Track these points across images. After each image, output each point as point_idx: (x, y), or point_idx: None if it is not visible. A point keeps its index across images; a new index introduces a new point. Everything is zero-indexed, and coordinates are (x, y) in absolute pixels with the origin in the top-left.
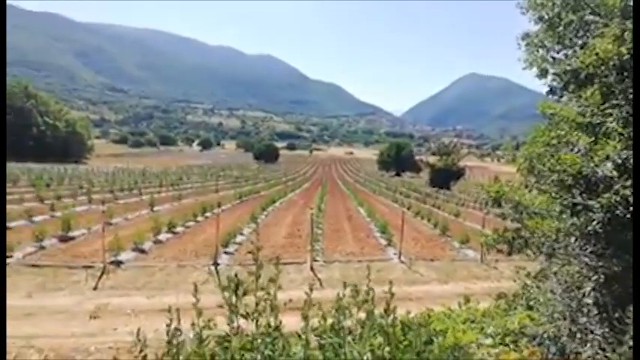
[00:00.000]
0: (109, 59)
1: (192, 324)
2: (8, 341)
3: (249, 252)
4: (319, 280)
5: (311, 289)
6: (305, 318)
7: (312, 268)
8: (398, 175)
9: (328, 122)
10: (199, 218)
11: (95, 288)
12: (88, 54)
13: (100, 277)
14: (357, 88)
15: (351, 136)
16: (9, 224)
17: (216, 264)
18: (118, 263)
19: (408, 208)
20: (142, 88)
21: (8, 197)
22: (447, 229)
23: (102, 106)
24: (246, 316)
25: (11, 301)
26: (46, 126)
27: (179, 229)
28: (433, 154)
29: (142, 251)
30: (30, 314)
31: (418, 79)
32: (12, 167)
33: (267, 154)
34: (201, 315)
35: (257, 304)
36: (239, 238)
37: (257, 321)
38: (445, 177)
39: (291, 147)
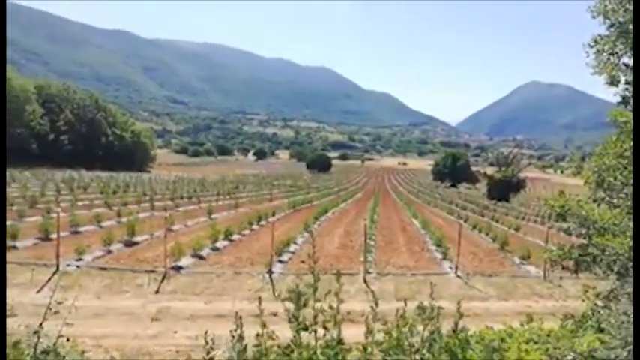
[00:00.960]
0: (172, 73)
1: (257, 334)
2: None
3: (302, 261)
4: (372, 292)
5: (376, 303)
6: (370, 332)
7: (365, 280)
8: (453, 186)
9: (381, 132)
10: (254, 226)
11: (157, 291)
12: (153, 68)
13: (161, 282)
14: (411, 98)
15: (405, 146)
16: (80, 229)
17: (270, 272)
18: (178, 268)
19: (465, 221)
20: (201, 100)
21: (80, 203)
22: (507, 243)
23: (164, 118)
24: (307, 328)
25: (82, 302)
26: (114, 136)
27: (235, 236)
28: (491, 164)
29: (201, 257)
30: (98, 314)
31: (475, 88)
32: (83, 175)
33: (319, 164)
34: (265, 326)
35: (316, 316)
36: (292, 247)
37: (316, 332)
38: (504, 189)
39: (343, 157)
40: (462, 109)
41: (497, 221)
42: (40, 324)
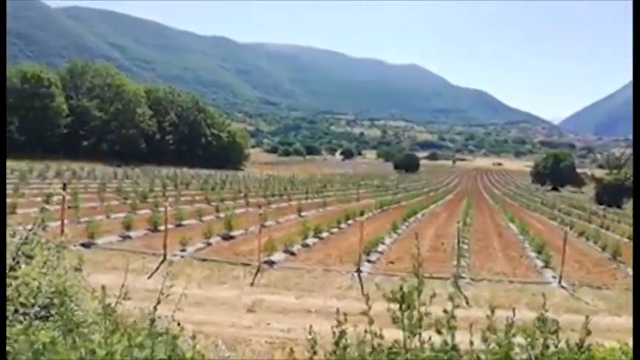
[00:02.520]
0: (265, 75)
1: (366, 331)
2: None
3: (391, 262)
4: (465, 298)
5: (493, 311)
6: (485, 340)
7: (457, 285)
8: (555, 189)
9: (474, 131)
10: (342, 225)
11: (252, 284)
12: (247, 71)
13: (255, 275)
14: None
15: (500, 146)
16: (183, 222)
17: (359, 271)
18: (271, 263)
19: (570, 228)
20: (291, 101)
21: (183, 198)
22: (619, 253)
23: (257, 118)
24: (414, 331)
25: (186, 290)
26: (212, 136)
27: (324, 234)
28: (600, 166)
29: (292, 253)
30: (199, 303)
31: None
32: (185, 173)
33: (407, 164)
34: (372, 323)
35: (420, 319)
36: (380, 248)
37: (420, 335)
38: (615, 193)
39: (432, 157)
40: (565, 107)
41: (607, 228)
42: (155, 307)
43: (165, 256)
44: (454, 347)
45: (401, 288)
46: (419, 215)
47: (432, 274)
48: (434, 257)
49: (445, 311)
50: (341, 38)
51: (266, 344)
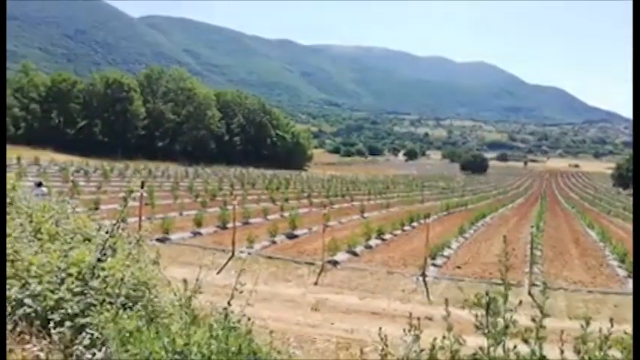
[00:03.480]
0: (328, 77)
1: (444, 337)
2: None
3: (459, 267)
4: (540, 307)
5: (587, 322)
6: (578, 352)
7: (530, 293)
8: None
9: (548, 131)
10: (406, 227)
11: (316, 283)
12: (311, 73)
13: (319, 274)
14: (587, 92)
15: (578, 147)
16: (250, 220)
17: (424, 275)
18: (335, 263)
19: None
20: (354, 102)
21: (249, 197)
22: None
23: (320, 120)
24: (499, 339)
25: (253, 286)
26: (277, 137)
27: (387, 236)
28: None
29: (355, 254)
30: (265, 299)
31: None
32: (251, 172)
33: (474, 165)
34: (451, 329)
35: (507, 327)
36: (447, 252)
37: (504, 344)
38: None
39: (502, 158)
40: None
41: None
42: (228, 302)
43: (233, 252)
44: (543, 358)
45: (487, 293)
46: (487, 219)
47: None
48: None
49: (533, 320)
50: (405, 37)
51: (331, 344)
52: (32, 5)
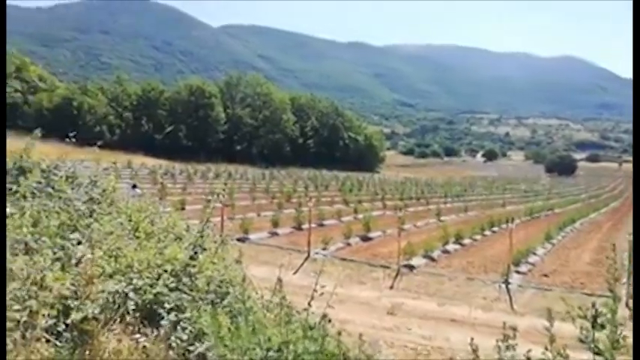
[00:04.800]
0: (401, 77)
1: (546, 349)
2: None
3: (545, 275)
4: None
5: None
6: None
7: (628, 306)
8: None
9: None
10: (486, 232)
11: (391, 287)
12: (383, 74)
13: (395, 278)
14: None
15: None
16: (324, 222)
17: (507, 283)
18: (411, 267)
19: None
20: (428, 102)
21: (323, 199)
22: None
23: (393, 121)
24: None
25: (329, 288)
26: (349, 139)
27: (466, 241)
28: None
29: (432, 259)
30: (341, 301)
31: None
32: (324, 174)
33: (561, 167)
34: (553, 341)
35: (616, 342)
36: (532, 259)
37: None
38: None
39: (593, 158)
40: None
41: None
42: (309, 303)
43: (308, 253)
44: None
45: (593, 305)
46: (577, 224)
47: (595, 291)
48: (597, 272)
49: None
50: (482, 34)
51: (408, 349)
52: (124, 21)
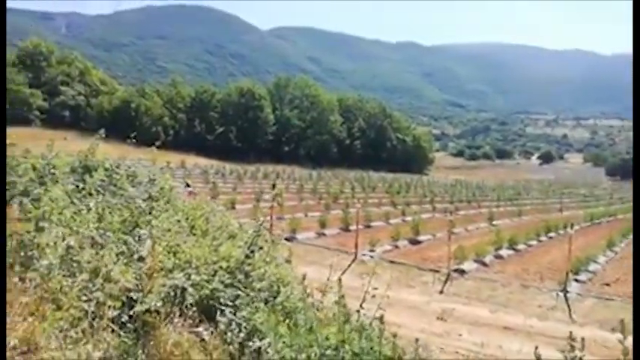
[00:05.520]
0: (451, 77)
1: None
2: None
3: (607, 284)
4: None
5: None
6: None
7: None
8: None
9: None
10: (542, 238)
11: (441, 292)
12: (433, 74)
13: (445, 282)
14: None
15: None
16: (372, 223)
17: (565, 291)
18: (461, 272)
19: None
20: (480, 102)
21: (370, 201)
22: None
23: (442, 122)
24: None
25: (377, 290)
26: (397, 141)
27: (520, 246)
28: None
29: (484, 264)
30: (390, 304)
31: None
32: (371, 176)
33: (623, 170)
34: (627, 354)
35: None
36: (592, 267)
37: None
38: None
39: None
40: None
41: None
42: (361, 305)
43: (356, 255)
44: None
45: None
46: None
47: None
48: None
49: None
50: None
51: (459, 355)
52: (179, 26)
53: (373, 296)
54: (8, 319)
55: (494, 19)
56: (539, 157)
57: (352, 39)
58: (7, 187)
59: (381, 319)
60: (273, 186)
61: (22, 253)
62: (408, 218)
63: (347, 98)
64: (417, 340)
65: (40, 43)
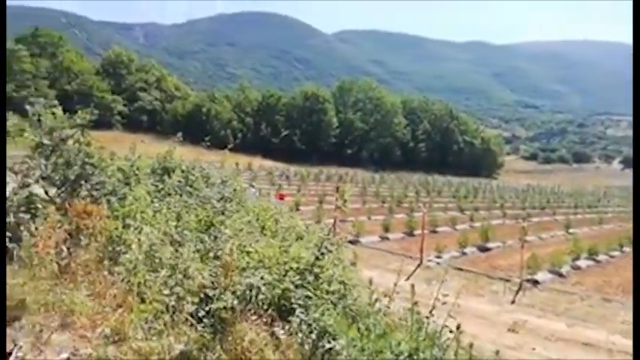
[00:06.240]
0: (523, 76)
1: None
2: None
3: None
4: None
5: None
6: None
7: None
8: None
9: None
10: (625, 248)
11: (512, 302)
12: (503, 74)
13: (517, 293)
14: None
15: None
16: (437, 229)
17: None
18: (535, 282)
19: None
20: (555, 103)
21: (435, 205)
22: None
23: (513, 123)
24: None
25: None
26: (464, 143)
27: (601, 257)
28: None
29: (560, 275)
30: (457, 312)
31: None
32: (436, 179)
33: None
34: None
35: None
36: None
37: None
38: None
39: None
40: None
41: None
42: (430, 312)
43: (421, 260)
44: None
45: None
46: None
47: None
48: None
49: None
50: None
51: None
52: (247, 34)
53: (444, 303)
54: (100, 309)
55: (569, 15)
56: (621, 162)
57: (416, 39)
58: (97, 187)
59: (458, 328)
60: (337, 189)
61: (110, 248)
62: (477, 224)
63: (411, 100)
64: (497, 352)
65: (121, 53)
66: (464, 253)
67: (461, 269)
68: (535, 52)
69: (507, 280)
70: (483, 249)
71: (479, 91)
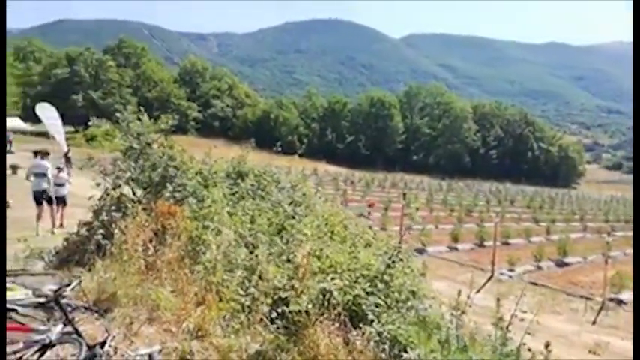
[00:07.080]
0: (607, 79)
1: None
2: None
3: None
4: None
5: None
6: None
7: None
8: None
9: None
10: None
11: (594, 322)
12: (584, 77)
13: (599, 312)
14: None
15: None
16: (510, 240)
17: None
18: (619, 302)
19: None
20: None
21: (508, 215)
22: None
23: (596, 130)
24: None
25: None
26: (539, 151)
27: None
28: None
29: None
30: (534, 330)
31: None
32: (508, 188)
33: None
34: None
35: None
36: None
37: None
38: None
39: None
40: None
41: None
42: (507, 327)
43: (492, 272)
44: None
45: None
46: None
47: None
48: None
49: None
50: None
51: None
52: (313, 40)
53: (522, 320)
54: (182, 305)
55: None
56: None
57: (486, 42)
58: (178, 189)
59: (546, 347)
60: (404, 195)
61: (191, 248)
62: (554, 237)
63: (482, 105)
64: None
65: (196, 62)
66: (539, 267)
67: (536, 284)
68: (618, 53)
69: (588, 298)
70: (561, 263)
71: (557, 95)
